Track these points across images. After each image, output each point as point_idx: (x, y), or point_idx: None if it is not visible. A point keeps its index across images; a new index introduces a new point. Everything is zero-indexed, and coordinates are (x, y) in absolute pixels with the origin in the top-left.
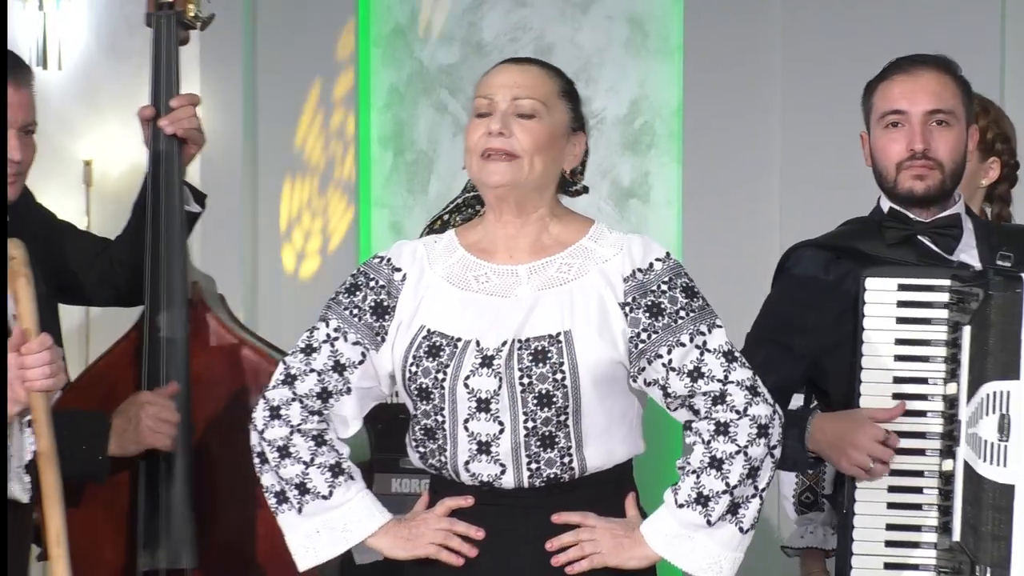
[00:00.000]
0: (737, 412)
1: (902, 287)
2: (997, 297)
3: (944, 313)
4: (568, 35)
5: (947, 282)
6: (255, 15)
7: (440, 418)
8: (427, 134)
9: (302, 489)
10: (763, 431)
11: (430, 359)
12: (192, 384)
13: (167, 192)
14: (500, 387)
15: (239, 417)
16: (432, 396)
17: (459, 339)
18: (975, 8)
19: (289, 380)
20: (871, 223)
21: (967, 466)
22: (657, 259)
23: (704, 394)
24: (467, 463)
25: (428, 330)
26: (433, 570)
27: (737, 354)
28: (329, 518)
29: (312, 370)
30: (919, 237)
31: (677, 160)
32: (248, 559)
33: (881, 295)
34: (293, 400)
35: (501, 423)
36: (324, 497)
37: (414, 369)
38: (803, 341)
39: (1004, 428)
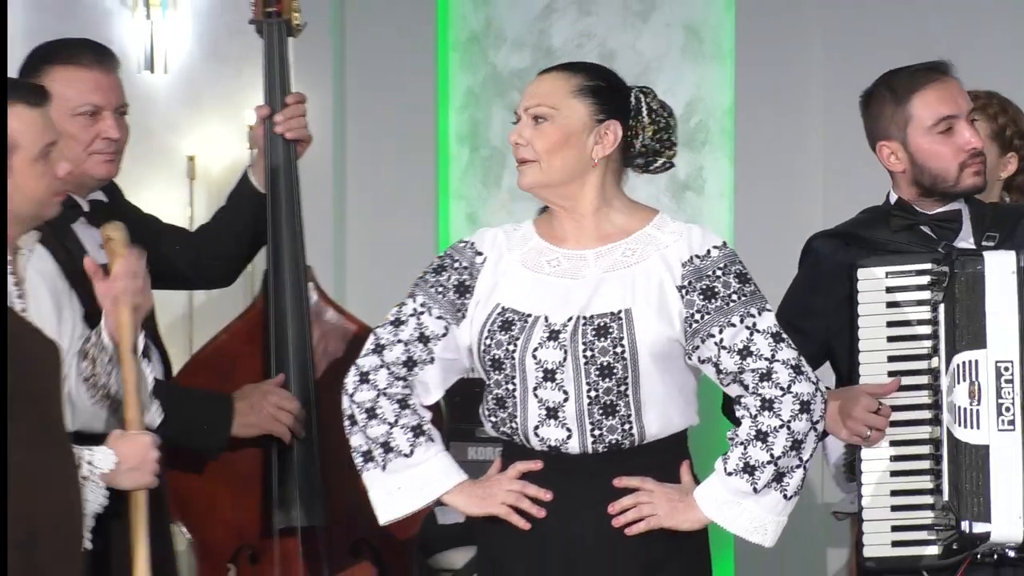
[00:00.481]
0: (782, 389)
1: (889, 274)
2: (961, 275)
3: (926, 295)
4: (629, 42)
5: (927, 266)
6: (344, 23)
7: (511, 387)
8: (500, 132)
9: (386, 448)
10: (805, 407)
11: (503, 333)
12: (319, 351)
13: (286, 186)
14: (565, 359)
15: None
16: (504, 366)
17: (529, 315)
18: (1003, 9)
19: (378, 349)
20: (880, 213)
21: (949, 432)
22: (714, 247)
23: (752, 371)
24: (536, 428)
25: (502, 307)
26: (501, 529)
27: (784, 336)
28: (410, 475)
29: (399, 340)
30: (921, 227)
31: (729, 156)
32: (367, 516)
33: (872, 283)
34: (381, 367)
35: (565, 392)
36: (406, 455)
37: (488, 342)
38: (814, 324)
39: (975, 394)
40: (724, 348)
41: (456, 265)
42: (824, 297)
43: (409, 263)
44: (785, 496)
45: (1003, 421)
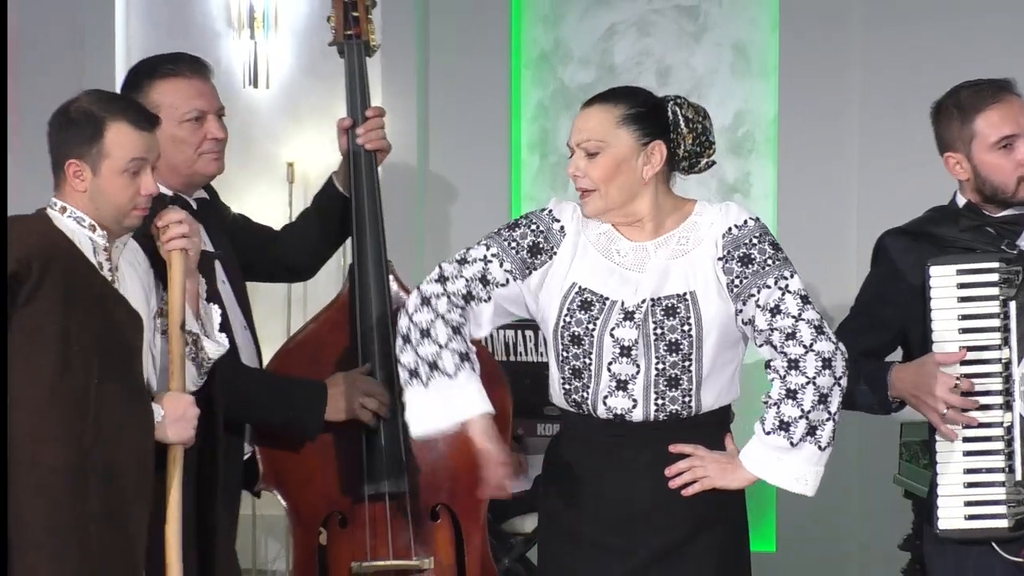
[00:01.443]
0: (804, 347)
1: (960, 271)
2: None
3: (996, 291)
4: (684, 59)
5: (996, 265)
6: (427, 44)
7: (588, 360)
8: (567, 140)
9: (432, 366)
10: (827, 364)
11: (582, 312)
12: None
13: (368, 190)
14: (638, 337)
15: None
16: (583, 342)
17: (607, 298)
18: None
19: (441, 279)
20: (949, 212)
21: (1021, 417)
22: (749, 218)
23: (779, 330)
24: (606, 398)
25: (580, 287)
26: (565, 494)
27: (810, 299)
28: (449, 395)
29: (462, 276)
30: (987, 228)
31: (773, 162)
32: (444, 485)
33: (943, 279)
34: (442, 295)
35: (637, 365)
36: (449, 376)
37: (568, 319)
38: (891, 312)
39: None
40: (759, 307)
41: (533, 227)
42: (897, 289)
43: None
44: (820, 447)
45: None
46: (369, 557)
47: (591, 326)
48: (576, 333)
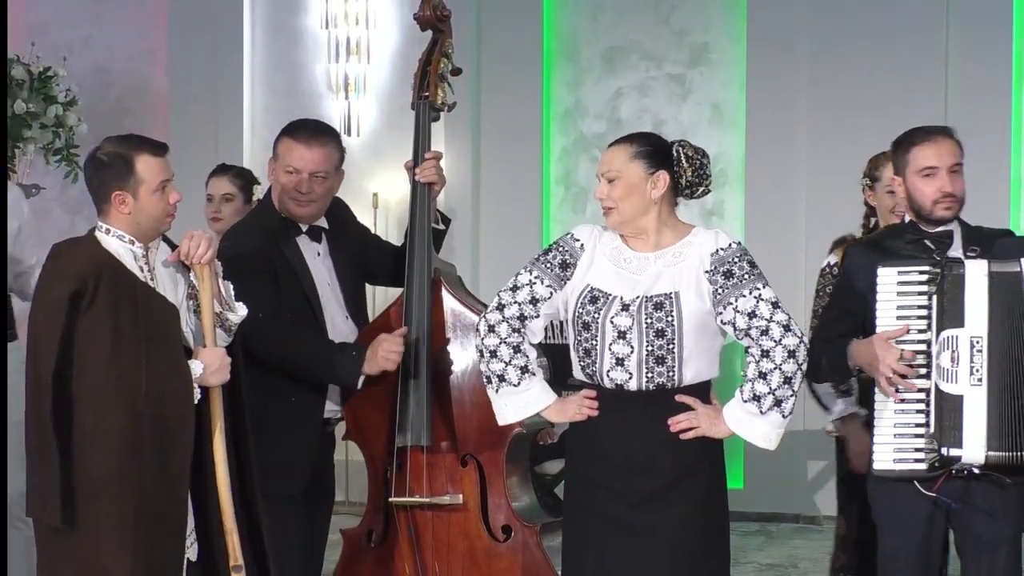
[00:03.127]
0: (775, 342)
1: (900, 272)
2: (949, 275)
3: (924, 288)
4: (673, 115)
5: (926, 268)
6: (479, 101)
7: (595, 342)
8: (585, 176)
9: (501, 379)
10: (791, 354)
11: (591, 304)
12: (433, 328)
13: (420, 216)
14: (632, 324)
15: (458, 347)
16: (591, 328)
17: (609, 294)
18: (925, 78)
19: (500, 307)
20: (898, 229)
21: (936, 386)
22: (733, 242)
23: (755, 328)
24: (608, 371)
25: (591, 287)
26: (584, 443)
27: (780, 303)
28: (515, 399)
29: (515, 302)
30: (925, 240)
31: (741, 192)
32: (471, 438)
33: (888, 279)
34: (502, 321)
35: (632, 347)
36: (515, 386)
37: (580, 311)
38: (855, 303)
39: (955, 359)
40: (738, 311)
41: (561, 248)
42: (858, 286)
43: (521, 264)
44: (783, 416)
45: (974, 379)
46: (408, 493)
47: (597, 315)
48: (586, 321)
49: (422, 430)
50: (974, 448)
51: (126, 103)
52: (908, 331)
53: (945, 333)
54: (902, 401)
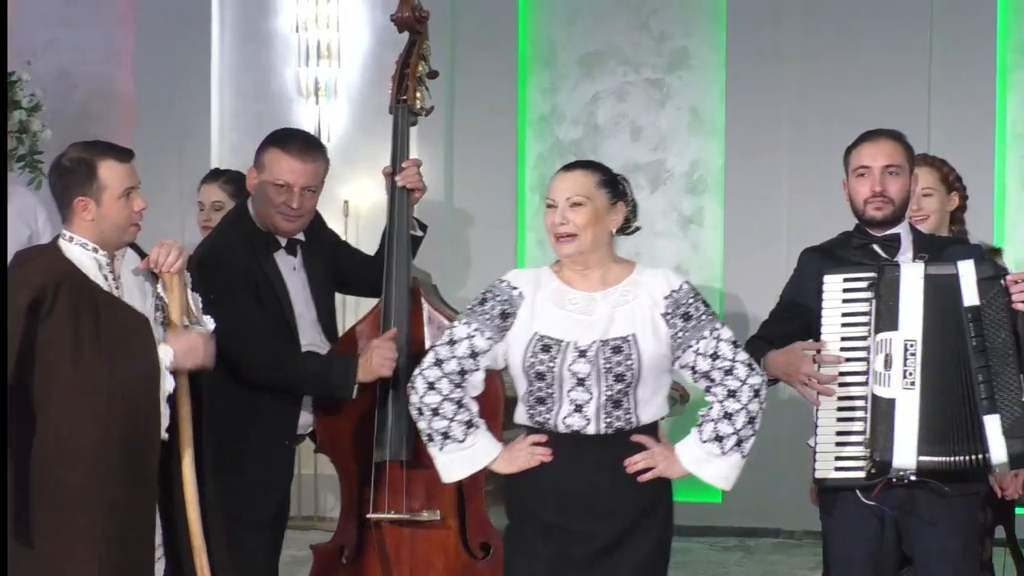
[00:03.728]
0: (740, 381)
1: (845, 279)
2: (885, 279)
3: (867, 294)
4: (652, 120)
5: (869, 274)
6: (453, 105)
7: (551, 391)
8: None
9: (445, 436)
10: (756, 393)
11: (544, 353)
12: (413, 338)
13: (399, 223)
14: (591, 370)
15: None
16: (546, 377)
17: (562, 340)
18: (908, 89)
19: (438, 363)
20: (848, 235)
21: (871, 390)
22: (683, 283)
23: (719, 369)
24: (565, 418)
25: (540, 335)
26: (537, 487)
27: (739, 343)
28: (461, 455)
29: (454, 356)
30: (873, 245)
31: (720, 199)
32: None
33: (833, 285)
34: (442, 377)
35: (590, 393)
36: (460, 442)
37: (532, 360)
38: (800, 308)
39: (888, 362)
40: (700, 354)
41: (498, 298)
42: (806, 291)
43: (496, 272)
44: (742, 456)
45: (907, 383)
46: (386, 509)
47: (552, 364)
48: (540, 371)
49: (401, 444)
50: (905, 453)
51: (91, 107)
52: (824, 345)
53: (880, 336)
54: (844, 408)
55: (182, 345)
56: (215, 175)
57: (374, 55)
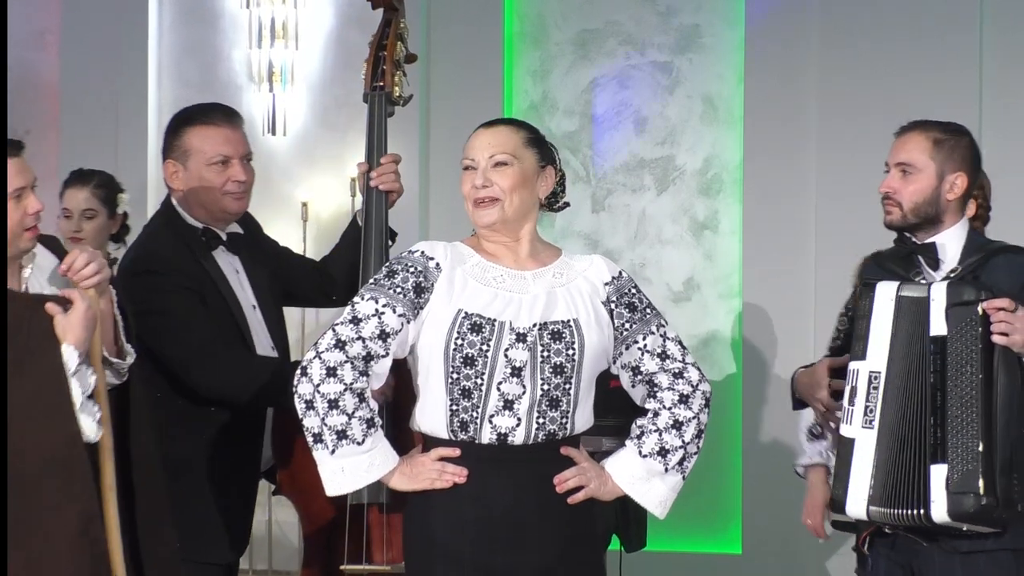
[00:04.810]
0: (692, 386)
1: (897, 289)
2: (863, 300)
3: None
4: (658, 110)
5: (926, 292)
6: (429, 99)
7: (479, 380)
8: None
9: (340, 435)
10: (708, 402)
11: (473, 334)
12: None
13: (376, 229)
14: (528, 358)
15: None
16: (476, 363)
17: (495, 320)
18: (957, 75)
19: (340, 344)
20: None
21: (839, 427)
22: (621, 271)
23: (667, 371)
24: (492, 416)
25: (466, 312)
26: (451, 511)
27: (684, 343)
28: (357, 460)
29: (360, 337)
30: (917, 255)
31: (739, 201)
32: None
33: (885, 296)
34: (345, 362)
35: (524, 386)
36: (358, 443)
37: (460, 342)
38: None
39: (851, 397)
40: (647, 352)
41: (412, 269)
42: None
43: None
44: (683, 477)
45: (866, 420)
46: (365, 560)
47: (484, 347)
48: (469, 354)
49: (380, 484)
50: (857, 501)
51: (10, 95)
52: (848, 361)
53: (851, 366)
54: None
55: (68, 325)
56: (83, 178)
57: (337, 36)
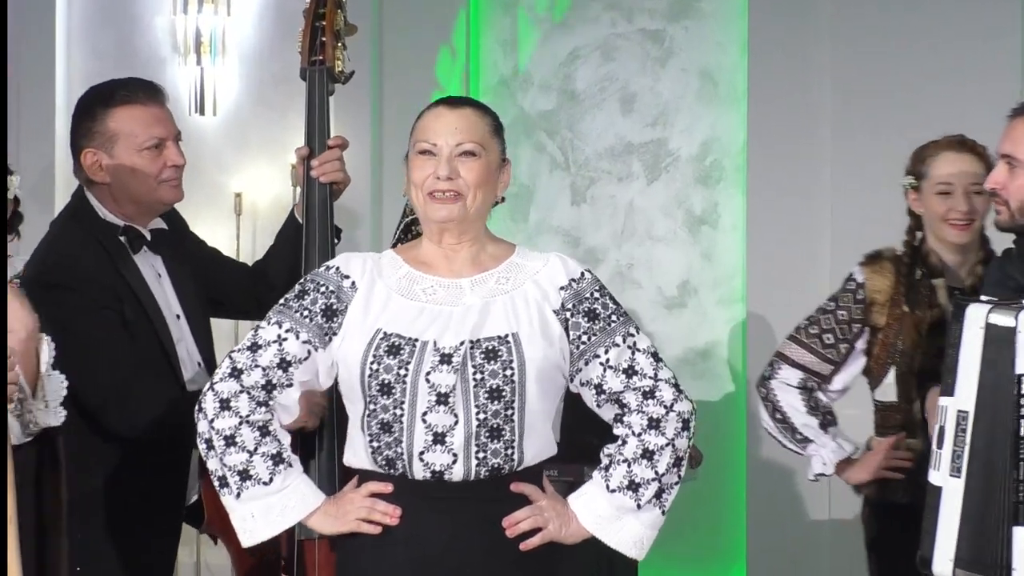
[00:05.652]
0: (665, 407)
1: (989, 312)
2: (953, 324)
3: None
4: (649, 85)
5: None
6: (382, 73)
7: (399, 411)
8: (527, 170)
9: (244, 476)
10: (686, 425)
11: (391, 357)
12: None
13: (320, 224)
14: (456, 382)
15: None
16: (394, 390)
17: (416, 339)
18: (999, 43)
19: (236, 374)
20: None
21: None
22: (584, 271)
23: (636, 389)
24: (422, 453)
25: (384, 332)
26: (384, 556)
27: (660, 355)
28: (267, 502)
29: (257, 365)
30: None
31: (742, 192)
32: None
33: (974, 321)
34: (241, 392)
35: (456, 415)
36: (265, 483)
37: (375, 367)
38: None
39: (939, 438)
40: (610, 368)
41: (322, 289)
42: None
43: None
44: (663, 512)
45: (954, 468)
46: None
47: (402, 371)
48: (385, 380)
49: None
50: (942, 561)
51: None
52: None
53: (942, 402)
54: None
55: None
56: None
57: (274, 2)
